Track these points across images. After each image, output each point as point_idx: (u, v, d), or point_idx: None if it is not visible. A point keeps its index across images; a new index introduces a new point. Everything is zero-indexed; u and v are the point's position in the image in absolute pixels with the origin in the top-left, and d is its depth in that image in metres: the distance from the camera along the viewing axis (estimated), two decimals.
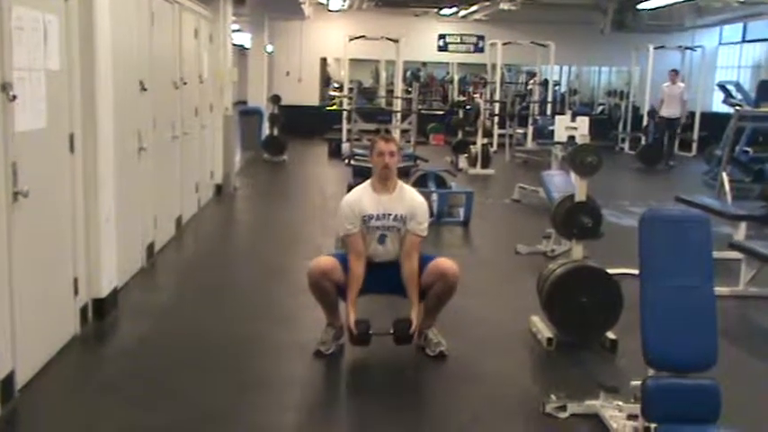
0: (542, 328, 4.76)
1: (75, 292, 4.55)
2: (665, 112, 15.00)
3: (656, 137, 15.34)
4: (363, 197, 4.46)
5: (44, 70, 3.97)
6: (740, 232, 6.49)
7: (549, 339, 4.64)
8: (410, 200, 4.47)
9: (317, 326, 4.57)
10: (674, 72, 15.19)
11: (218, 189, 9.92)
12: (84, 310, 4.68)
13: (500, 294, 6.00)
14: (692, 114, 16.94)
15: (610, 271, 4.78)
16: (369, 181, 4.54)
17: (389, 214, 4.40)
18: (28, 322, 3.79)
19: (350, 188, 5.50)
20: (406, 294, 4.43)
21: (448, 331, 4.55)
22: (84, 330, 4.61)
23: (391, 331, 4.34)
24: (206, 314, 5.22)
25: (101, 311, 4.83)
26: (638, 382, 3.06)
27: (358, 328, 4.28)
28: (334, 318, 4.51)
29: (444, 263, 4.40)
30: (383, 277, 4.40)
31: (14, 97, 3.50)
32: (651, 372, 3.04)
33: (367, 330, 4.32)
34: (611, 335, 4.61)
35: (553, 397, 3.73)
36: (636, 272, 3.14)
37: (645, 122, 16.12)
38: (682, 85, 15.01)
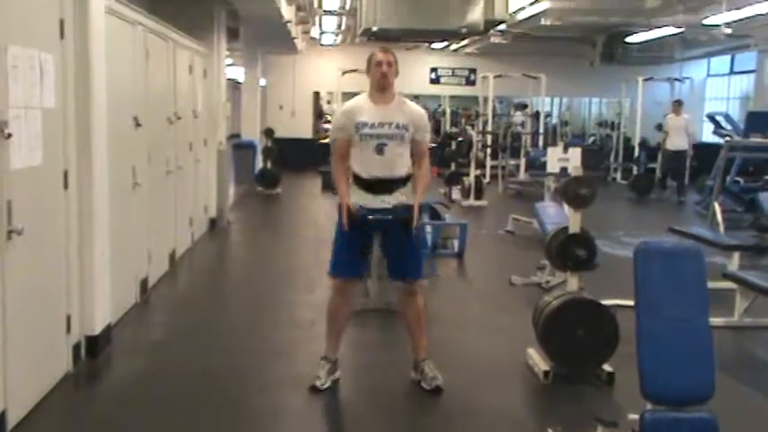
0: (539, 361, 4.74)
1: (68, 329, 4.52)
2: (671, 144, 14.48)
3: (662, 170, 15.02)
4: (361, 106, 4.39)
5: (40, 108, 3.99)
6: (734, 262, 6.51)
7: (546, 372, 4.62)
8: (410, 110, 4.41)
9: (312, 360, 4.55)
10: (678, 103, 14.81)
11: (212, 223, 9.92)
12: (76, 348, 4.65)
13: (496, 327, 5.99)
14: None
15: (605, 302, 4.78)
16: (366, 93, 4.47)
17: (389, 123, 4.30)
18: (20, 360, 3.76)
19: None
20: (390, 253, 4.46)
21: (444, 365, 4.53)
22: (76, 368, 4.58)
23: (389, 217, 4.29)
24: (200, 350, 5.19)
25: (94, 349, 4.79)
26: (636, 416, 3.05)
27: (355, 211, 4.24)
28: (334, 347, 4.50)
29: (407, 297, 4.50)
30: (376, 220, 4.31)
31: (10, 135, 3.51)
32: (649, 405, 3.03)
33: (365, 215, 4.27)
34: (607, 367, 4.60)
35: (550, 431, 3.71)
36: (631, 303, 3.15)
37: (636, 153, 16.22)
38: (686, 116, 14.55)
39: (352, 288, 4.63)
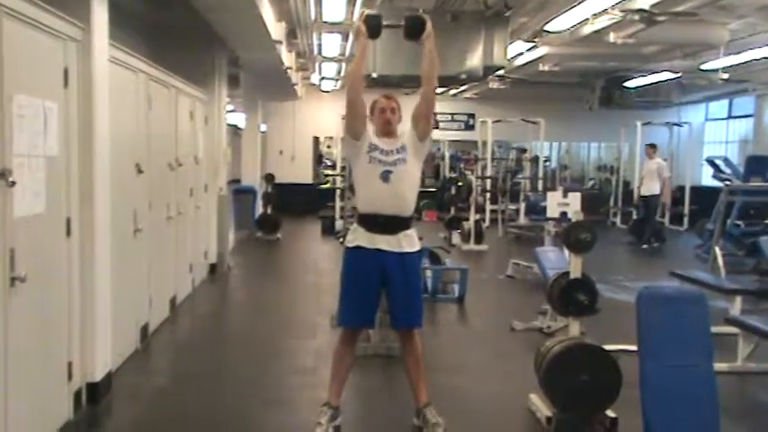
0: (541, 407, 4.71)
1: (70, 376, 4.49)
2: (644, 189, 14.38)
3: (639, 217, 14.92)
4: (372, 134, 4.45)
5: (43, 156, 4.02)
6: (736, 307, 6.49)
7: (549, 418, 4.58)
8: (404, 132, 4.48)
9: (313, 407, 4.52)
10: (650, 147, 14.61)
11: (212, 268, 9.91)
12: (77, 395, 4.62)
13: (497, 372, 5.95)
14: (682, 189, 17.15)
15: (607, 348, 4.75)
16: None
17: (392, 150, 4.36)
18: (22, 408, 3.74)
19: None
20: (391, 295, 4.41)
21: (446, 411, 4.49)
22: (77, 415, 4.54)
23: (402, 23, 4.35)
24: (201, 397, 5.15)
25: (95, 396, 4.76)
26: None
27: (371, 15, 4.35)
28: (335, 395, 4.47)
29: (407, 344, 4.46)
30: (388, 259, 4.31)
31: (14, 183, 3.53)
32: None
33: (379, 22, 4.35)
34: (610, 413, 4.56)
35: None
36: (633, 348, 3.14)
37: (635, 197, 16.26)
38: (658, 160, 14.37)
39: (359, 336, 4.61)
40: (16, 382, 3.65)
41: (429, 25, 4.36)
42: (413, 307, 4.45)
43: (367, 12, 4.44)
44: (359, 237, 4.38)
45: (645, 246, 13.83)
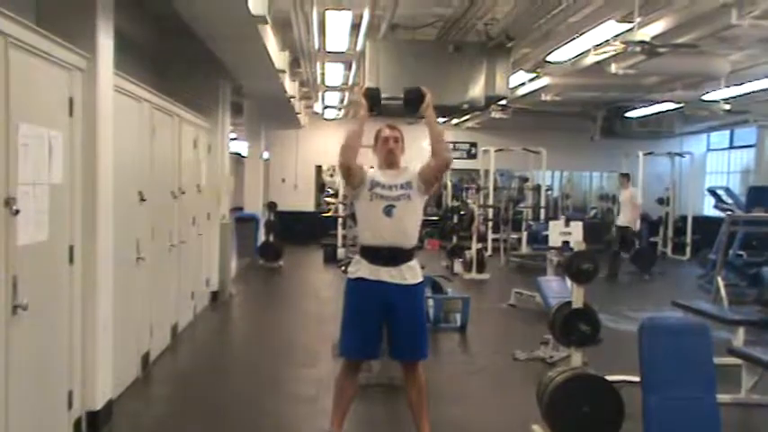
0: None
1: (70, 405, 4.47)
2: (619, 220, 14.28)
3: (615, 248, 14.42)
4: (373, 172, 4.47)
5: (48, 184, 4.03)
6: (739, 338, 6.45)
7: None
8: (413, 169, 4.47)
9: None
10: (623, 176, 14.59)
11: (214, 296, 9.90)
12: (78, 423, 4.59)
13: (500, 402, 5.92)
14: (684, 219, 17.17)
15: (610, 378, 4.73)
16: (375, 167, 4.56)
17: (396, 185, 4.37)
18: None
19: None
20: (393, 329, 4.40)
21: None
22: None
23: (401, 99, 4.39)
24: (201, 426, 5.13)
25: (95, 425, 4.74)
26: None
27: (371, 89, 4.42)
28: (337, 426, 4.45)
29: (411, 376, 4.44)
30: (390, 291, 4.31)
31: (18, 212, 3.54)
32: None
33: (379, 95, 4.41)
34: None
35: None
36: (635, 379, 3.13)
37: (638, 226, 16.25)
38: (632, 189, 14.27)
39: (361, 366, 4.59)
40: (17, 409, 3.63)
41: (429, 97, 4.39)
42: (417, 338, 4.44)
43: (367, 86, 4.49)
44: (361, 268, 4.38)
45: (647, 276, 13.80)
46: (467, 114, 15.86)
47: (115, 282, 5.15)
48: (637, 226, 14.49)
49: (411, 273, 4.38)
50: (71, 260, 4.46)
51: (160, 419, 5.34)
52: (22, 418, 3.73)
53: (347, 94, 14.75)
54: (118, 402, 5.25)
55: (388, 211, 4.34)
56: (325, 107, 16.85)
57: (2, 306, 3.47)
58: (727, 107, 11.79)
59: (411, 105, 4.40)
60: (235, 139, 16.71)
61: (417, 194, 4.41)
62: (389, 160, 4.46)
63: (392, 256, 4.33)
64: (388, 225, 4.34)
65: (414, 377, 4.43)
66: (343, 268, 10.61)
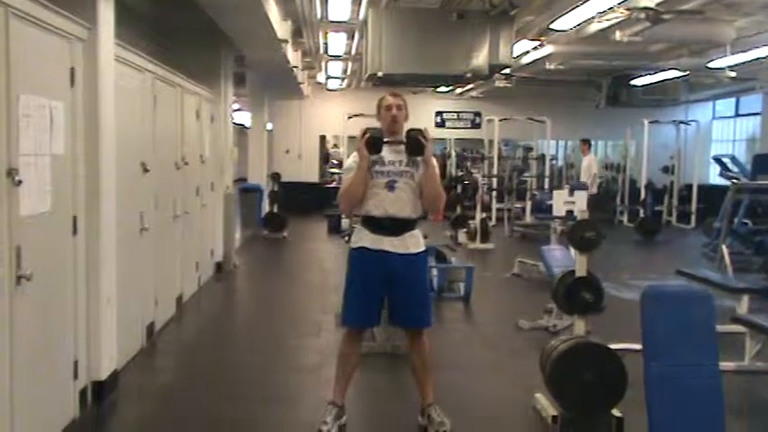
0: (547, 406, 4.70)
1: (75, 374, 4.51)
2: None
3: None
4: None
5: (50, 155, 4.03)
6: (743, 305, 6.46)
7: (554, 417, 4.57)
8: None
9: (318, 406, 4.52)
10: (584, 142, 14.55)
11: (219, 267, 9.93)
12: (83, 393, 4.63)
13: (503, 371, 5.95)
14: (689, 187, 17.13)
15: (613, 346, 4.74)
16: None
17: (400, 161, 4.36)
18: (27, 406, 3.75)
19: None
20: (395, 300, 4.42)
21: (451, 410, 4.50)
22: (83, 414, 4.56)
23: (404, 140, 4.32)
24: (206, 395, 5.16)
25: (100, 394, 4.77)
26: None
27: (373, 132, 4.31)
28: (340, 394, 4.47)
29: (416, 344, 4.44)
30: (392, 260, 4.32)
31: (20, 182, 3.54)
32: None
33: (380, 137, 4.32)
34: (616, 412, 4.55)
35: None
36: (639, 347, 3.14)
37: (642, 195, 16.24)
38: (591, 156, 14.12)
39: (363, 335, 4.59)
40: (22, 379, 3.66)
41: (430, 146, 4.33)
42: (421, 306, 4.45)
43: (368, 129, 4.40)
44: (363, 238, 4.38)
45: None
46: (470, 83, 15.79)
47: (119, 253, 5.16)
48: (593, 190, 14.45)
49: (413, 241, 4.38)
50: (75, 231, 4.47)
51: (165, 389, 5.38)
52: (28, 387, 3.76)
53: (350, 64, 14.68)
54: (123, 372, 5.29)
55: (391, 186, 4.34)
56: (328, 77, 16.78)
57: (6, 277, 3.49)
58: (733, 74, 11.70)
59: (414, 148, 4.34)
60: (238, 110, 16.67)
61: (418, 176, 4.38)
62: (392, 128, 4.43)
63: (394, 225, 4.33)
64: (391, 198, 4.34)
65: (418, 344, 4.45)
66: (346, 239, 10.65)
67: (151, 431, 4.51)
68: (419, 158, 4.35)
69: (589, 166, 14.11)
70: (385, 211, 4.33)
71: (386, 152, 4.38)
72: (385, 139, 4.35)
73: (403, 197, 4.35)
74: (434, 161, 4.41)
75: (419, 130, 4.36)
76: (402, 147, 4.39)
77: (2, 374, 3.48)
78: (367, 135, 4.34)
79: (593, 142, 22.50)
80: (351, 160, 4.47)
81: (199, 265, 8.60)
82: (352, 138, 16.23)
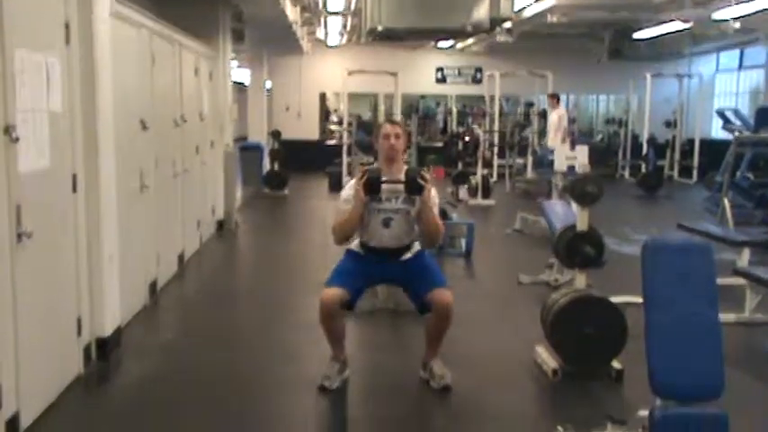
0: (547, 359, 4.74)
1: (79, 331, 4.53)
2: (549, 142, 13.81)
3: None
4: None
5: (47, 112, 4.00)
6: (743, 258, 6.48)
7: (555, 370, 4.61)
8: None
9: (320, 361, 4.56)
10: (551, 96, 14.38)
11: (220, 225, 9.94)
12: (87, 350, 4.66)
13: (504, 325, 5.98)
14: (691, 141, 17.05)
15: (613, 300, 4.77)
16: (374, 165, 4.57)
17: (396, 197, 4.38)
18: (32, 363, 3.78)
19: None
20: (410, 287, 4.46)
21: (452, 363, 4.53)
22: (87, 370, 4.60)
23: (403, 180, 4.30)
24: (209, 352, 5.20)
25: (104, 351, 4.81)
26: (646, 413, 3.04)
27: (370, 173, 4.27)
28: (339, 350, 4.50)
29: (436, 295, 4.31)
30: (388, 267, 4.40)
31: (18, 139, 3.52)
32: (658, 401, 3.02)
33: (378, 178, 4.29)
34: (616, 364, 4.59)
35: (560, 428, 3.70)
36: (639, 300, 3.14)
37: (644, 150, 16.18)
38: (560, 109, 13.82)
39: (338, 304, 4.34)
40: (26, 337, 3.68)
41: (429, 186, 4.27)
42: (431, 274, 4.45)
43: (367, 170, 4.31)
44: (360, 248, 4.51)
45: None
46: (471, 38, 15.63)
47: (120, 210, 5.15)
48: (568, 147, 14.30)
49: (410, 252, 4.48)
50: (74, 188, 4.46)
51: (168, 345, 5.41)
52: (32, 344, 3.79)
53: (350, 19, 14.51)
54: (126, 329, 5.32)
55: (387, 222, 4.39)
56: (328, 33, 16.61)
57: (6, 234, 3.49)
58: (737, 26, 11.55)
59: (413, 188, 4.28)
60: (237, 67, 16.54)
61: (415, 212, 4.39)
62: (390, 156, 4.43)
63: (391, 252, 4.41)
64: (387, 234, 4.41)
65: (444, 306, 4.31)
66: None
67: (155, 387, 4.55)
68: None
69: (560, 119, 13.84)
70: (380, 243, 4.41)
71: (383, 188, 4.37)
72: (383, 179, 4.30)
73: (399, 232, 4.42)
74: (435, 196, 4.37)
75: (419, 170, 4.35)
76: (399, 176, 4.36)
77: (6, 332, 3.49)
78: (365, 177, 4.28)
79: (593, 97, 22.49)
80: (347, 191, 4.45)
81: (200, 224, 8.61)
82: (352, 94, 16.16)
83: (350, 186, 4.45)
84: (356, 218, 4.33)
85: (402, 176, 4.33)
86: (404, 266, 4.45)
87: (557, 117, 13.79)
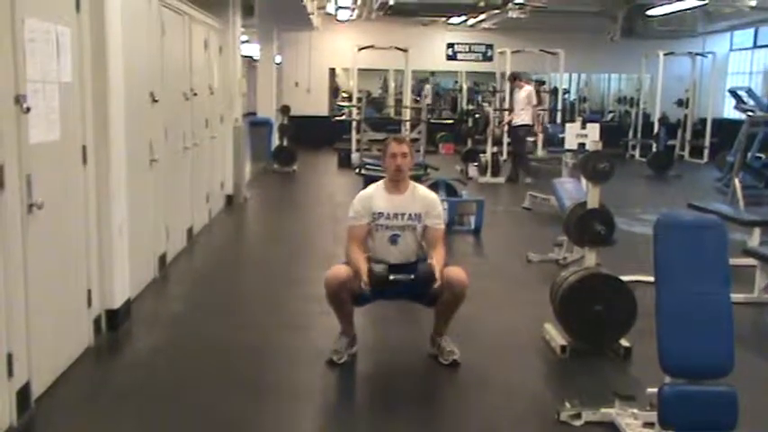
0: (555, 336, 4.74)
1: (89, 303, 4.55)
2: (518, 120, 13.28)
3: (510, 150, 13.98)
4: (376, 195, 4.49)
5: (57, 83, 3.99)
6: (754, 238, 6.45)
7: (563, 347, 4.61)
8: (423, 197, 4.50)
9: (329, 334, 4.57)
10: (512, 79, 14.09)
11: (229, 199, 9.95)
12: (97, 322, 4.69)
13: (513, 302, 5.98)
14: (703, 121, 16.93)
15: (623, 278, 4.75)
16: (382, 181, 4.57)
17: (403, 214, 4.41)
18: (43, 334, 3.80)
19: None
20: (420, 300, 4.46)
21: (461, 339, 4.54)
22: (97, 341, 4.62)
23: (411, 276, 4.27)
24: (218, 324, 5.22)
25: (114, 322, 4.83)
26: (655, 390, 3.04)
27: (376, 269, 4.23)
28: (348, 327, 4.50)
29: (452, 272, 4.31)
30: (397, 282, 4.33)
31: (29, 109, 3.51)
32: (667, 378, 3.02)
33: (386, 273, 4.25)
34: (624, 342, 4.59)
35: (568, 405, 3.71)
36: (649, 279, 3.14)
37: (656, 129, 16.07)
38: (527, 87, 13.45)
39: (342, 280, 4.32)
40: (37, 308, 3.69)
41: (438, 274, 4.21)
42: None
43: (372, 265, 4.25)
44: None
45: (528, 180, 12.53)
46: (483, 14, 15.52)
47: (130, 183, 5.16)
48: (539, 127, 14.41)
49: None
50: (84, 161, 4.46)
51: (177, 317, 5.44)
52: (42, 315, 3.80)
53: None
54: (136, 301, 5.35)
55: (394, 239, 4.43)
56: (339, 8, 16.51)
57: (17, 204, 3.48)
58: (753, 3, 11.43)
59: (424, 285, 4.24)
60: (246, 41, 16.44)
61: (421, 228, 4.43)
62: (397, 177, 4.45)
63: (399, 269, 4.35)
64: (395, 252, 4.44)
65: (460, 284, 4.31)
66: (356, 171, 10.64)
67: (164, 358, 4.57)
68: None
69: (528, 97, 13.34)
70: (389, 261, 4.38)
71: (386, 203, 4.42)
72: (391, 278, 4.23)
73: (406, 249, 4.45)
74: (442, 251, 4.37)
75: (429, 265, 4.24)
76: (405, 197, 4.42)
77: (17, 302, 3.50)
78: (369, 276, 4.21)
79: (605, 76, 22.32)
80: (356, 206, 4.48)
81: (209, 198, 8.62)
82: (362, 70, 16.08)
83: (358, 200, 4.50)
84: (360, 267, 4.27)
85: (411, 207, 4.41)
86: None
87: (524, 95, 13.45)
